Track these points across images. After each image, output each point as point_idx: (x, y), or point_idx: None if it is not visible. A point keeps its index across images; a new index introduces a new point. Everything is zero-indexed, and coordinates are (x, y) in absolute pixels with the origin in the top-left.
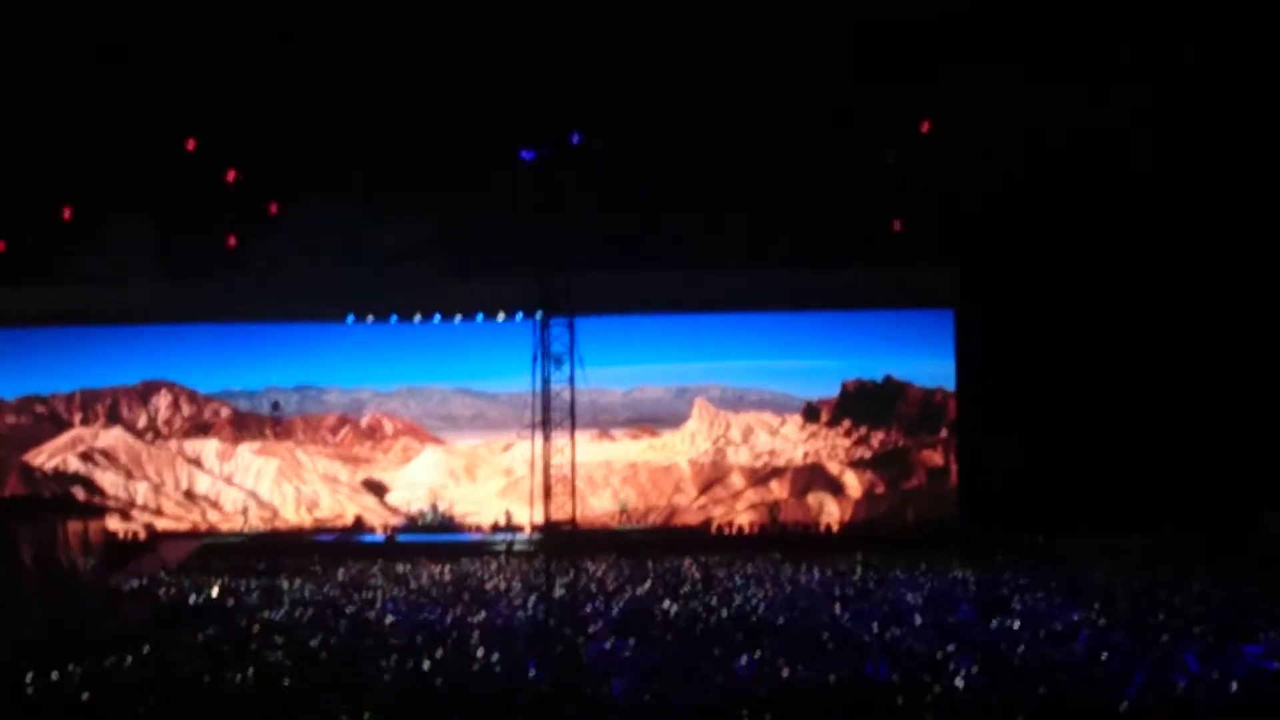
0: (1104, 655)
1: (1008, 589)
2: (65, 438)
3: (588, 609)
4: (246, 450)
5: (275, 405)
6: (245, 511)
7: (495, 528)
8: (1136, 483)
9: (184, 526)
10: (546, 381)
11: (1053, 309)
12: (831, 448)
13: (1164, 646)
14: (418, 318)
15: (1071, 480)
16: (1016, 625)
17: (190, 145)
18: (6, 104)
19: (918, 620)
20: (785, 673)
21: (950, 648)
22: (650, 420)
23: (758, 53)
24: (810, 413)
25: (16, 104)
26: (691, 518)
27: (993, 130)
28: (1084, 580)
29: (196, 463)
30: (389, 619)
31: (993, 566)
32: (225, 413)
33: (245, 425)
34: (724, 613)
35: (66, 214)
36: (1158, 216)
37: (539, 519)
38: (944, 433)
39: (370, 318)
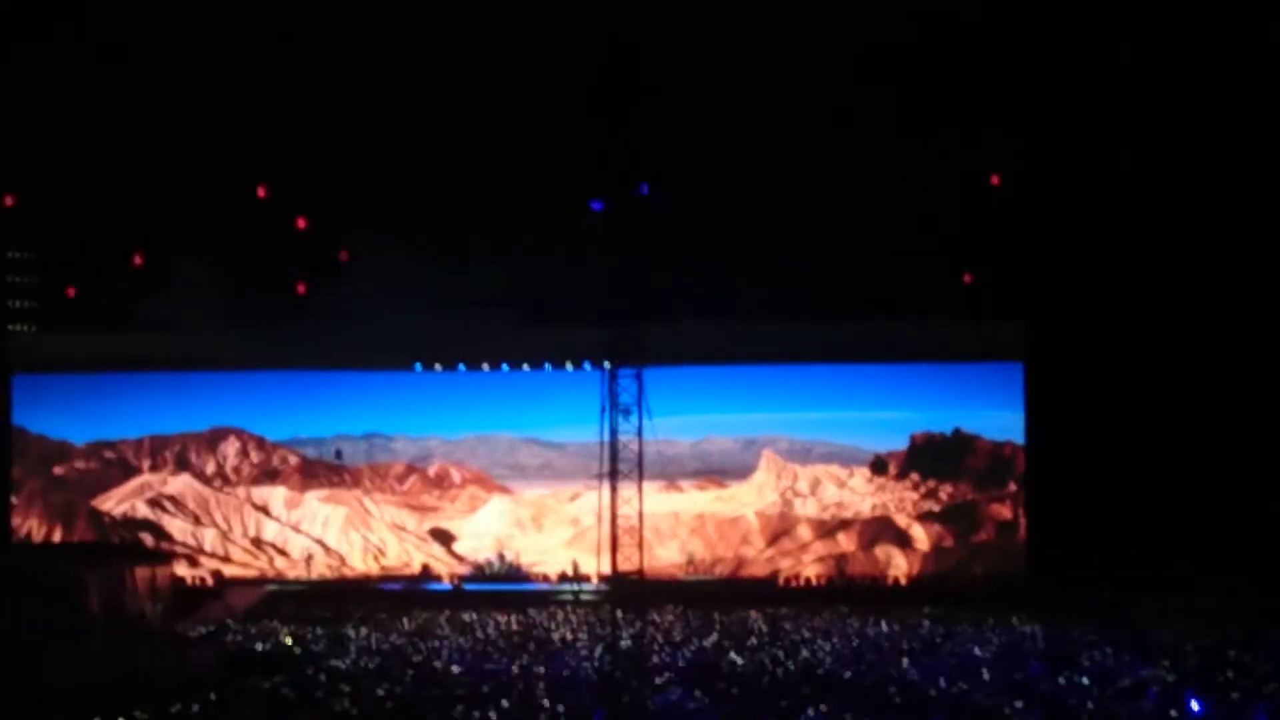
0: (1172, 713)
1: (1075, 645)
2: (134, 484)
3: (654, 660)
4: (314, 498)
5: (338, 454)
6: (309, 559)
7: (562, 578)
8: (1207, 541)
9: (251, 573)
10: (614, 432)
11: (1123, 362)
12: (899, 500)
13: (1234, 705)
14: (486, 366)
15: (1140, 536)
16: (1084, 681)
17: (261, 193)
18: (78, 150)
19: (985, 675)
20: None
21: (1017, 703)
22: (718, 471)
23: (827, 105)
24: (878, 465)
25: (88, 150)
26: (759, 569)
27: (1063, 182)
28: (1152, 637)
29: (264, 510)
30: (455, 668)
31: (1060, 622)
32: (293, 460)
33: (313, 473)
34: (790, 665)
35: (138, 260)
36: (1233, 270)
37: (606, 569)
38: (1012, 486)
39: (438, 366)
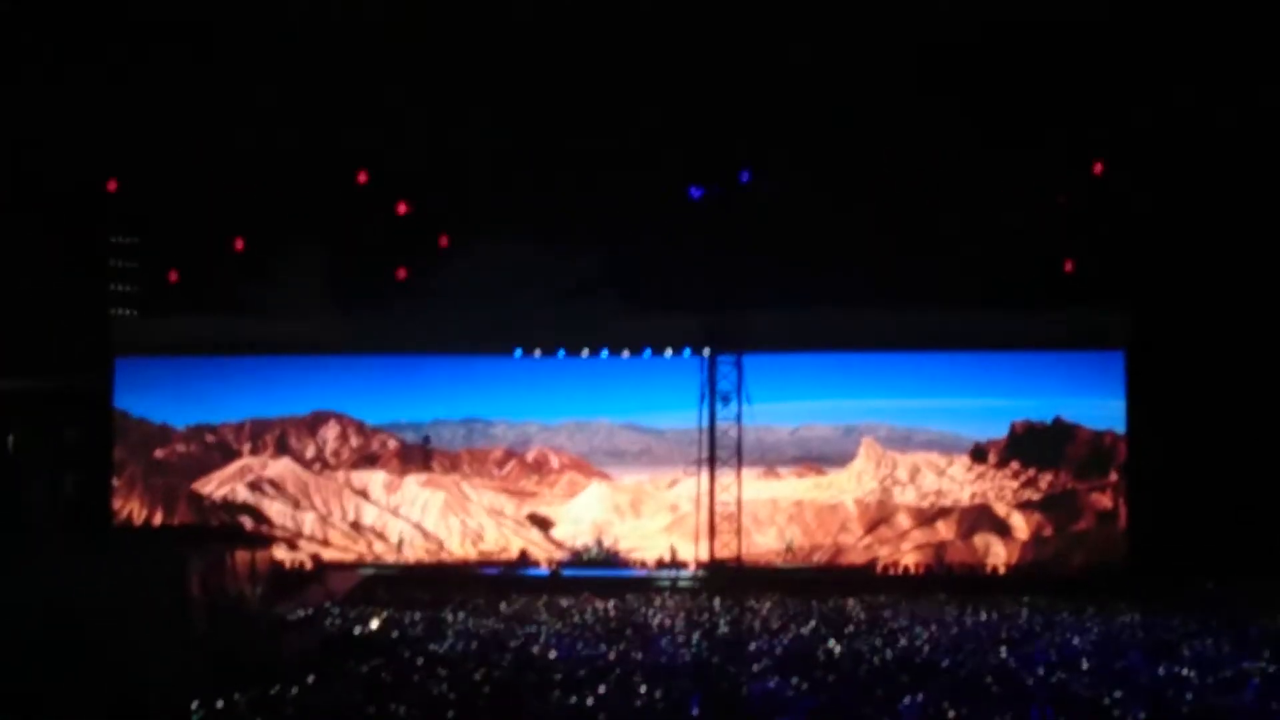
0: (1275, 704)
1: (1177, 635)
2: (234, 467)
3: (751, 647)
4: (413, 482)
5: (426, 439)
6: (400, 543)
7: (659, 564)
8: None
9: (350, 557)
10: (714, 418)
11: (1226, 349)
12: (999, 489)
13: None
14: (585, 352)
15: (1244, 525)
16: (1186, 672)
17: (362, 177)
18: (180, 134)
19: (1084, 665)
20: (950, 716)
21: (1117, 693)
22: (817, 458)
23: (928, 91)
24: (978, 453)
25: (190, 134)
26: (857, 557)
27: (1167, 167)
28: (1255, 627)
29: (363, 494)
30: (552, 653)
31: (1161, 611)
32: (392, 445)
33: (412, 457)
34: (888, 653)
35: (239, 245)
36: None
37: (704, 556)
38: (1113, 475)
39: (538, 352)
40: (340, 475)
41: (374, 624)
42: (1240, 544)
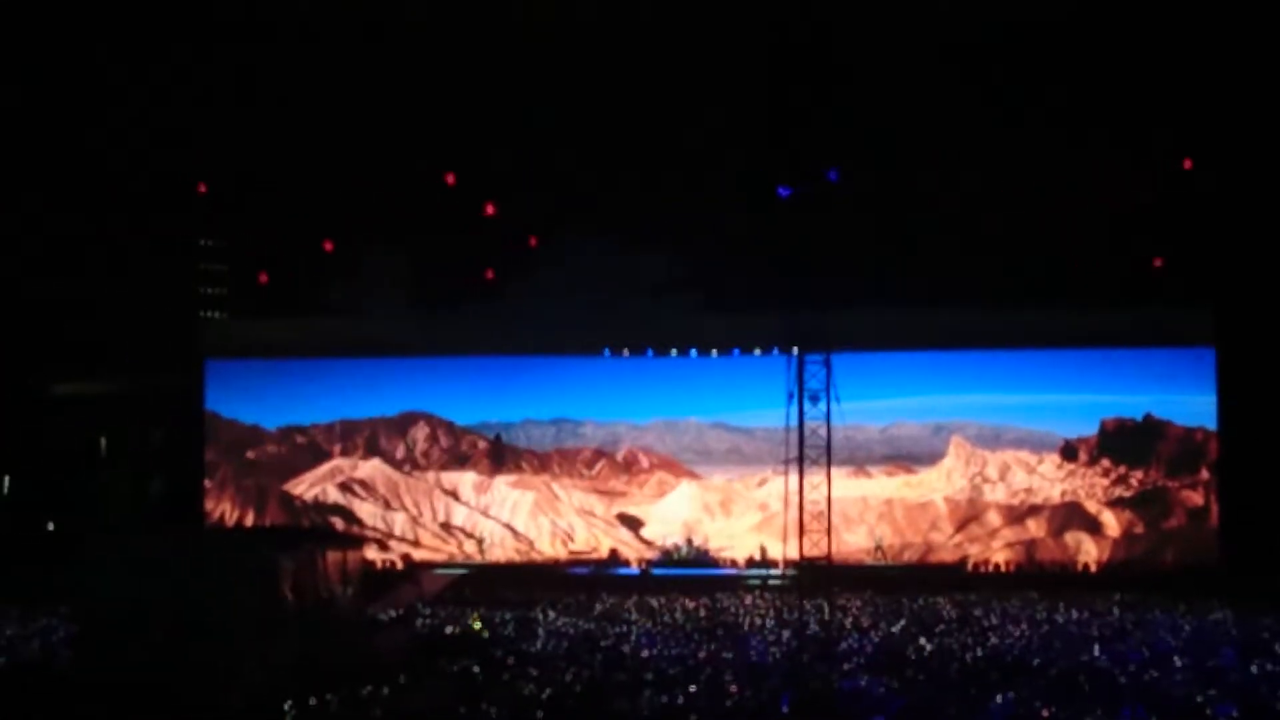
0: None
1: (1269, 633)
2: (325, 468)
3: (842, 646)
4: (503, 482)
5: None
6: (481, 542)
7: (749, 563)
8: None
9: (440, 558)
10: (802, 417)
11: None
12: (1090, 486)
13: None
14: (674, 352)
15: None
16: (1278, 670)
17: (450, 179)
18: (269, 137)
19: (1176, 663)
20: (1041, 714)
21: (1210, 691)
22: (906, 457)
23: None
24: (1068, 451)
25: (279, 137)
26: (947, 555)
27: (1254, 164)
28: None
29: (453, 494)
30: (643, 653)
31: (1254, 610)
32: (482, 445)
33: (502, 457)
34: (979, 652)
35: (328, 247)
36: None
37: (793, 554)
38: (1204, 473)
39: (626, 352)
40: (430, 476)
41: (472, 623)
42: None
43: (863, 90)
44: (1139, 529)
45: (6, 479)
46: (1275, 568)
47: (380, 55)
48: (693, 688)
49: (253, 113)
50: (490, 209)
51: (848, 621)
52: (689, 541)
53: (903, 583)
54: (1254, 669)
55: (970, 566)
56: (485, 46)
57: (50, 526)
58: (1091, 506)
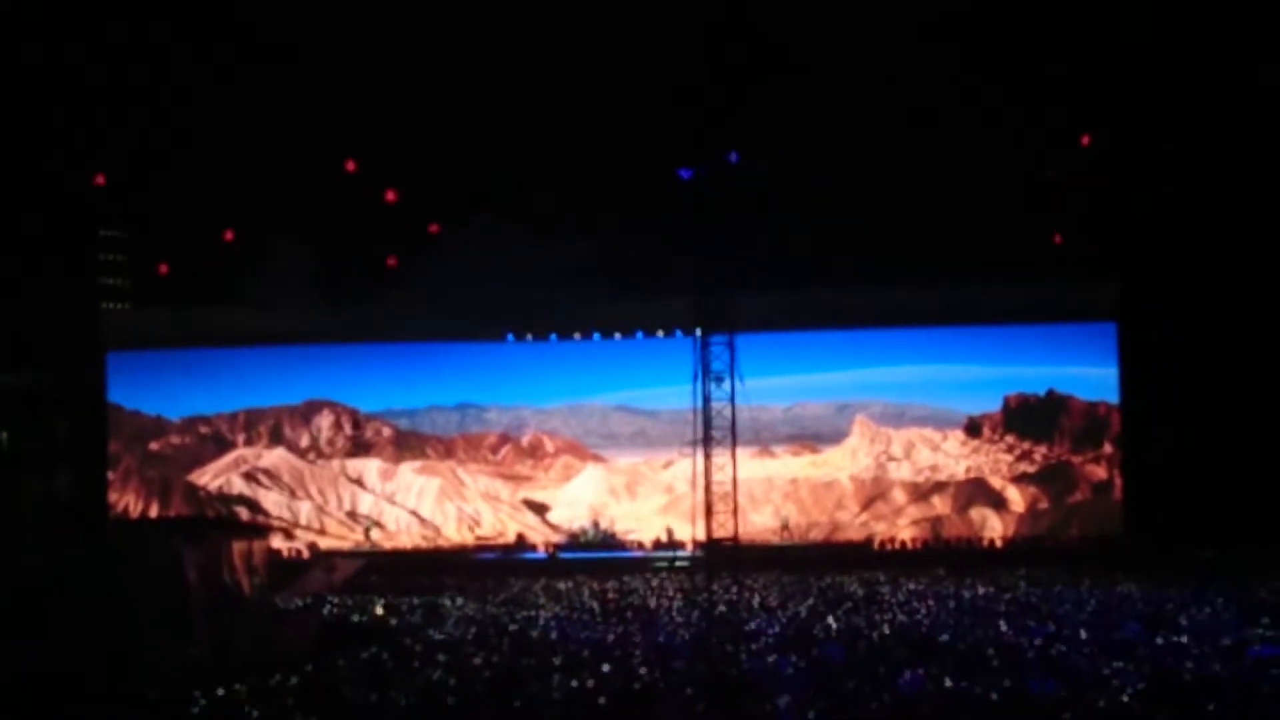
0: (1274, 671)
1: (1174, 604)
2: (229, 458)
3: (750, 626)
4: (408, 469)
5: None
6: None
7: (657, 545)
8: None
9: (347, 546)
10: (707, 399)
11: (1217, 318)
12: (994, 463)
13: None
14: (577, 336)
15: (1239, 493)
16: (1184, 641)
17: (351, 166)
18: (168, 127)
19: (1083, 636)
20: (949, 689)
21: (1116, 664)
22: (811, 436)
23: (914, 69)
24: (972, 427)
25: (178, 127)
26: (854, 534)
27: (1154, 140)
28: (1253, 595)
29: (359, 482)
30: (551, 636)
31: (1158, 582)
32: (387, 432)
33: (407, 444)
34: (886, 629)
35: (228, 236)
36: None
37: (700, 535)
38: (1108, 447)
39: (530, 336)
40: (335, 464)
41: (379, 610)
42: (1236, 513)
43: (763, 72)
44: (1043, 504)
45: None
46: (1178, 540)
47: (278, 42)
48: (604, 669)
49: (151, 102)
50: (392, 196)
51: (755, 601)
52: (596, 525)
53: (810, 562)
54: (1159, 640)
55: (877, 544)
56: (384, 32)
57: None
58: (996, 482)
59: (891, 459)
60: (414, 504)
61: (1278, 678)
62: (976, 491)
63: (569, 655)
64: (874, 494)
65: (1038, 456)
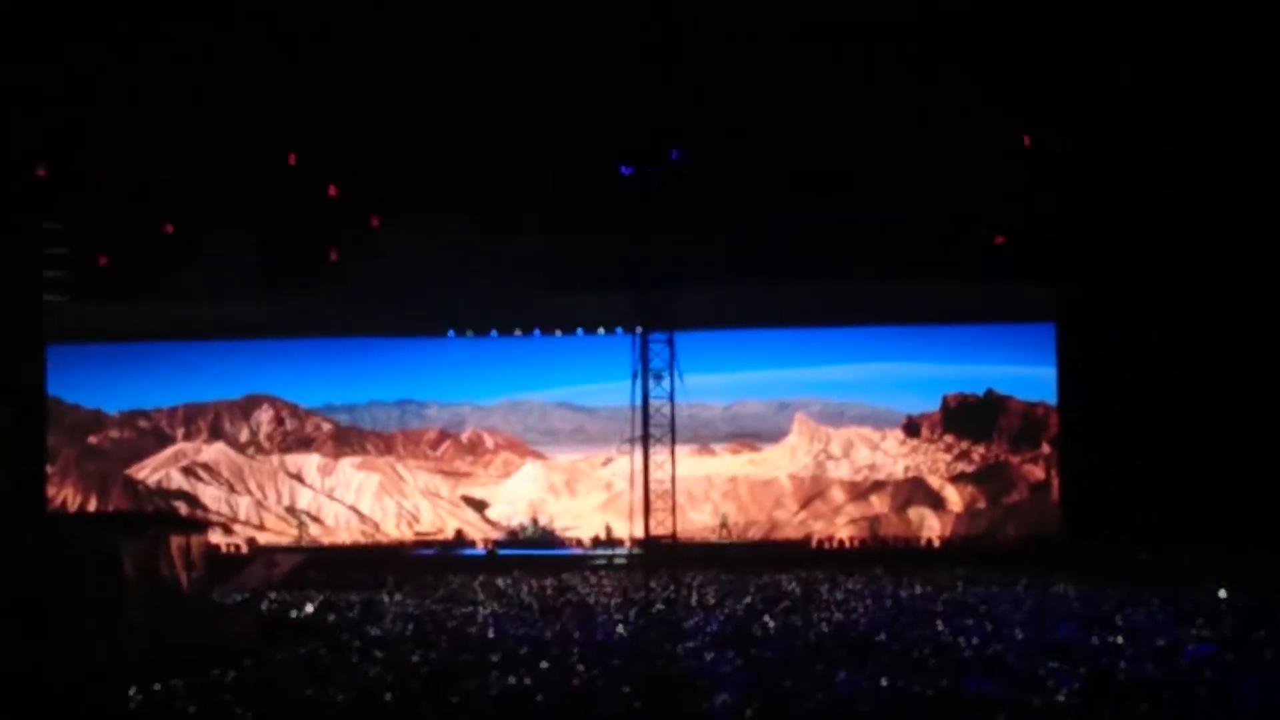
0: (1208, 673)
1: (1111, 605)
2: (168, 452)
3: (687, 623)
4: (348, 465)
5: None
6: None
7: (595, 542)
8: (1244, 497)
9: (286, 541)
10: (646, 396)
11: (1156, 320)
12: (932, 462)
13: (1271, 663)
14: (518, 332)
15: (1177, 495)
16: (1120, 641)
17: (292, 159)
18: (107, 119)
19: (1019, 636)
20: (886, 688)
21: (1052, 664)
22: (750, 435)
23: (857, 67)
24: (911, 427)
25: (118, 119)
26: (792, 532)
27: (1096, 142)
28: (1189, 596)
29: (298, 477)
30: (490, 633)
31: (1095, 582)
32: (327, 427)
33: (347, 440)
34: (824, 628)
35: (168, 229)
36: (1272, 227)
37: (639, 533)
38: (1046, 447)
39: (470, 332)
40: (275, 459)
41: (310, 607)
42: (1172, 514)
43: (704, 68)
44: (981, 504)
45: None
46: (1114, 540)
47: (219, 35)
48: (542, 665)
49: (90, 94)
50: (333, 190)
51: (693, 599)
52: (535, 521)
53: (748, 560)
54: (1095, 640)
55: (815, 543)
56: (326, 25)
57: None
58: (934, 482)
59: (830, 458)
60: (353, 500)
61: (1212, 678)
62: (915, 491)
63: (507, 652)
64: (813, 493)
65: (976, 456)
